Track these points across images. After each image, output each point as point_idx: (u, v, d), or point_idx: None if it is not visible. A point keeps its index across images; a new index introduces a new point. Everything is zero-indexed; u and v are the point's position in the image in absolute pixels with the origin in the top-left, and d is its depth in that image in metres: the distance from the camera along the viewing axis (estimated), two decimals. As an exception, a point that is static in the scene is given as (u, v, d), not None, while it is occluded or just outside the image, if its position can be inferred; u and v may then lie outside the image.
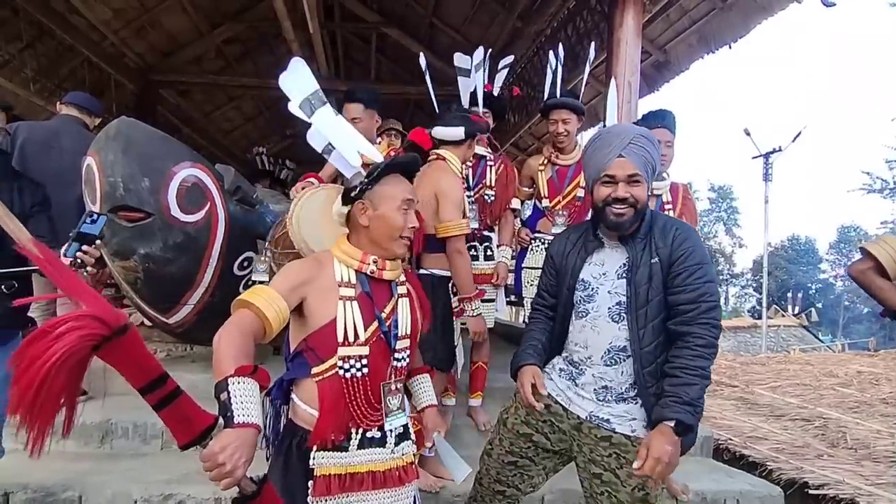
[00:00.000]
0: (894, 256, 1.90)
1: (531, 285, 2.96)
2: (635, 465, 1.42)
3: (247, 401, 1.05)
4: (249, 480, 1.05)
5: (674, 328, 1.53)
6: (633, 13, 3.59)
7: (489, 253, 2.85)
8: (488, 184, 2.86)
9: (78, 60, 5.95)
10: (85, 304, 0.93)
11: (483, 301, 2.67)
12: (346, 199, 1.42)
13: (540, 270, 2.90)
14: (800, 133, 13.44)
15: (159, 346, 3.51)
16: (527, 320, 3.00)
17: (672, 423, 1.41)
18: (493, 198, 2.86)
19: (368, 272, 1.41)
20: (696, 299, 1.50)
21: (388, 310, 1.43)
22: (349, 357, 1.35)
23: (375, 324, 1.39)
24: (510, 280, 3.02)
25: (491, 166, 2.89)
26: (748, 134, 13.87)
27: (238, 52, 8.01)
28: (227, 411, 1.03)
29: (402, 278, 1.50)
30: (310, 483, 1.33)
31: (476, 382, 2.98)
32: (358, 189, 1.40)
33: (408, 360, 1.48)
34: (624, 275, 1.59)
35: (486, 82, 2.95)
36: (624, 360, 1.59)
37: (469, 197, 2.80)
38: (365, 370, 1.36)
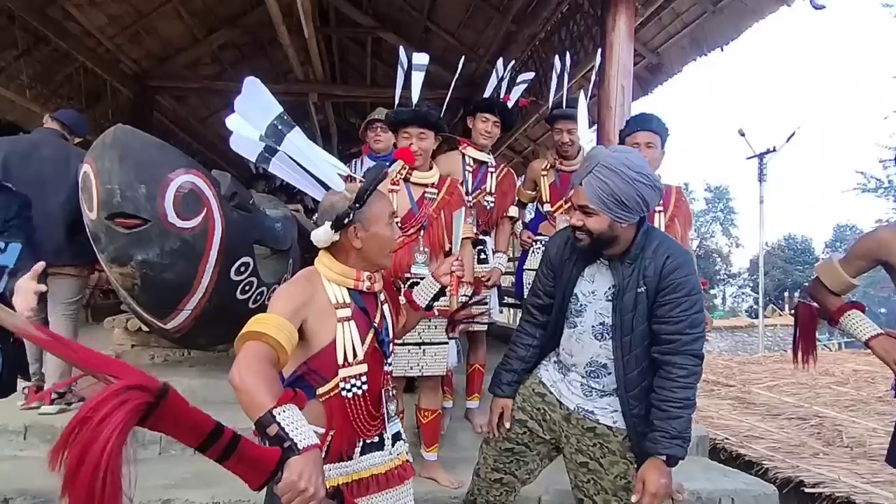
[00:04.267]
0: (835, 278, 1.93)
1: (531, 287, 2.98)
2: (633, 498, 1.48)
3: (300, 425, 1.03)
4: (328, 499, 1.06)
5: (657, 356, 1.55)
6: (625, 17, 3.62)
7: (482, 257, 2.87)
8: (488, 190, 2.87)
9: (74, 67, 5.95)
10: (115, 375, 0.87)
11: (477, 304, 2.69)
12: (339, 225, 1.37)
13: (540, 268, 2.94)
14: (793, 133, 13.52)
15: (157, 351, 3.52)
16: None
17: (664, 458, 1.49)
18: (491, 204, 2.87)
19: (365, 289, 1.43)
20: (681, 331, 1.51)
21: (378, 319, 1.46)
22: (350, 377, 1.36)
23: (371, 335, 1.42)
24: (506, 282, 3.04)
25: (492, 173, 2.89)
26: (742, 135, 13.94)
27: (233, 57, 8.03)
28: (285, 441, 1.00)
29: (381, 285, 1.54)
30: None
31: (473, 385, 2.99)
32: (352, 214, 1.37)
33: (392, 364, 1.53)
34: (611, 297, 1.60)
35: (504, 93, 2.96)
36: (605, 375, 1.64)
37: (468, 201, 2.81)
38: (365, 387, 1.39)
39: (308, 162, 1.41)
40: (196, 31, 6.89)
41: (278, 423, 1.01)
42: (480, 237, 2.87)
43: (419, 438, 2.53)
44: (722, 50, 4.37)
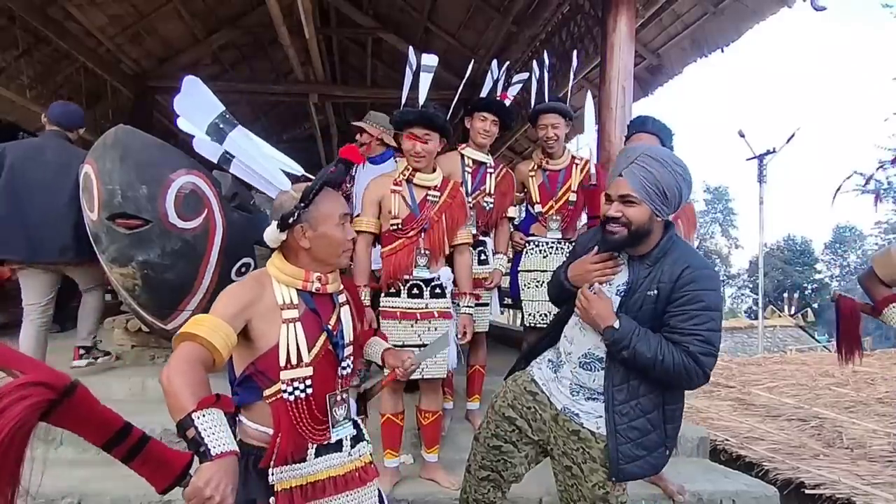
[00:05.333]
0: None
1: (527, 288, 2.98)
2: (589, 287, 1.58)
3: (217, 430, 1.02)
4: None
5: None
6: (626, 18, 3.62)
7: (483, 258, 2.86)
8: (487, 190, 2.85)
9: (74, 67, 5.96)
10: (21, 370, 0.87)
11: (478, 305, 2.69)
12: (284, 225, 1.35)
13: (535, 273, 2.94)
14: (793, 134, 13.51)
15: (157, 351, 3.52)
16: (524, 324, 3.03)
17: (616, 324, 1.50)
18: (491, 205, 2.87)
19: (314, 290, 1.40)
20: (691, 343, 1.47)
21: (332, 321, 1.43)
22: (293, 380, 1.34)
23: (323, 338, 1.39)
24: (505, 283, 3.03)
25: (491, 173, 2.88)
26: (742, 136, 13.94)
27: (234, 57, 8.04)
28: (200, 446, 0.99)
29: (341, 287, 1.50)
30: (272, 500, 1.33)
31: (473, 386, 3.00)
32: (296, 213, 1.34)
33: (352, 366, 1.49)
34: (622, 293, 1.59)
35: (500, 92, 2.96)
36: (598, 370, 1.62)
37: (468, 202, 2.80)
38: (309, 391, 1.36)
39: (252, 160, 1.39)
40: (196, 32, 6.89)
41: (196, 427, 1.00)
42: (480, 238, 2.87)
43: (420, 439, 2.53)
44: (722, 51, 4.38)
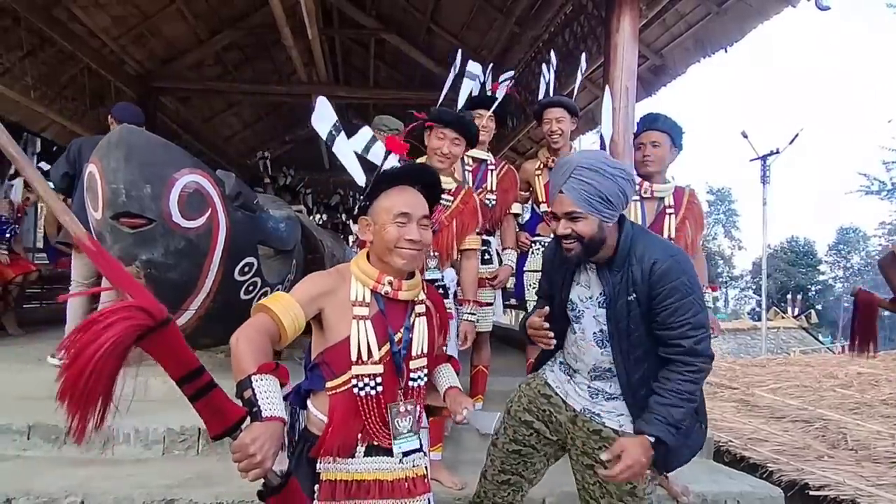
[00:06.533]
0: None
1: (533, 288, 2.97)
2: (604, 456, 1.48)
3: (271, 396, 1.10)
4: (275, 473, 1.09)
5: (665, 356, 1.54)
6: (629, 18, 3.61)
7: (486, 257, 2.85)
8: (489, 188, 2.85)
9: (78, 68, 5.98)
10: (132, 295, 0.99)
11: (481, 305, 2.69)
12: (352, 217, 1.45)
13: (540, 273, 2.94)
14: (797, 135, 13.46)
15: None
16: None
17: (653, 440, 1.46)
18: (494, 202, 2.86)
19: (383, 293, 1.41)
20: (685, 335, 1.49)
21: (400, 331, 1.42)
22: (363, 375, 1.36)
23: (386, 345, 1.39)
24: (509, 284, 3.02)
25: (492, 170, 2.88)
26: (746, 136, 13.91)
27: (237, 58, 8.06)
28: (254, 406, 1.08)
29: (421, 297, 1.48)
30: (316, 487, 1.34)
31: (477, 386, 2.99)
32: (359, 206, 1.43)
33: (424, 379, 1.48)
34: (604, 304, 1.59)
35: (492, 84, 2.97)
36: (611, 378, 1.62)
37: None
38: (379, 388, 1.37)
39: (345, 159, 1.57)
40: (200, 33, 6.91)
41: (253, 389, 1.10)
42: (484, 238, 2.86)
43: (423, 439, 2.53)
44: (726, 51, 4.36)
